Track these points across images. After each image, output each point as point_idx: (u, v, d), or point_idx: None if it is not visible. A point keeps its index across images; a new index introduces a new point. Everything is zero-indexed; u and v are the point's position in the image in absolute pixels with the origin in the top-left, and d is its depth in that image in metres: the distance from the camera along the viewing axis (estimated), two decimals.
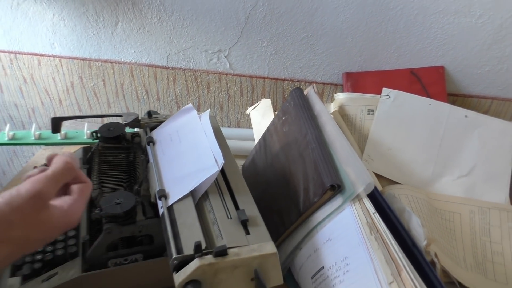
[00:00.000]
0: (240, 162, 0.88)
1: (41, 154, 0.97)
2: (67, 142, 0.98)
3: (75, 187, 0.48)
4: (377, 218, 0.56)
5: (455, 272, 0.64)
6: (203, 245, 0.49)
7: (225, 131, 1.03)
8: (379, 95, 0.84)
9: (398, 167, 0.80)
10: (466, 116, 0.81)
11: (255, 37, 0.91)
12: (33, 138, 0.98)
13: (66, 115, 1.11)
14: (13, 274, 0.61)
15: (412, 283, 0.47)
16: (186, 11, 0.89)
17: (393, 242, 0.52)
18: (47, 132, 1.01)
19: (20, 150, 1.24)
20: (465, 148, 0.80)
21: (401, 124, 0.82)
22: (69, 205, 0.45)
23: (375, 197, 0.65)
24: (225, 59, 0.95)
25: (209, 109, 0.73)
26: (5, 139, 0.98)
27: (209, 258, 0.48)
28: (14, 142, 0.99)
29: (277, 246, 0.68)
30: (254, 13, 0.87)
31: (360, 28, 0.86)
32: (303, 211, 0.62)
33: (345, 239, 0.56)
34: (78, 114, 1.11)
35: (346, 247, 0.55)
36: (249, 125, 0.98)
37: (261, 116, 0.93)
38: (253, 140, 0.90)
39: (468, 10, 0.80)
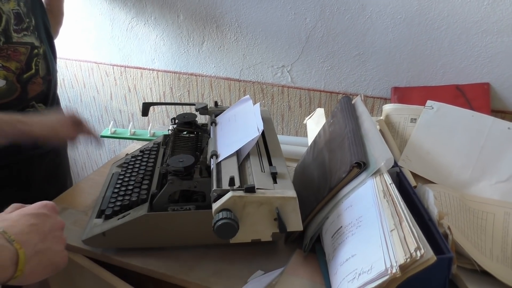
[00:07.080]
0: (295, 165, 0.99)
1: (132, 147, 1.19)
2: (153, 138, 1.19)
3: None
4: (392, 187, 0.63)
5: (477, 257, 0.67)
6: (237, 183, 0.61)
7: (284, 138, 1.16)
8: (423, 106, 0.90)
9: (435, 168, 0.84)
10: (509, 128, 0.83)
11: (314, 54, 1.05)
12: (128, 134, 1.22)
13: (158, 120, 1.34)
14: (99, 216, 0.78)
15: (409, 230, 0.54)
16: (258, 32, 1.07)
17: (402, 203, 0.59)
18: (140, 131, 1.24)
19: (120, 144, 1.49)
20: (506, 157, 0.81)
21: (442, 132, 0.86)
22: None
23: (401, 181, 0.72)
24: (288, 73, 1.10)
25: (262, 101, 0.87)
26: (108, 133, 1.22)
27: (240, 192, 0.60)
28: (114, 136, 1.23)
29: (311, 219, 0.76)
30: (314, 33, 1.02)
31: (408, 47, 0.95)
32: (333, 187, 0.71)
33: (362, 203, 0.64)
34: (166, 120, 1.33)
35: (362, 209, 0.63)
36: (306, 134, 1.09)
37: (315, 124, 1.04)
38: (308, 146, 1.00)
39: (511, 30, 0.86)
